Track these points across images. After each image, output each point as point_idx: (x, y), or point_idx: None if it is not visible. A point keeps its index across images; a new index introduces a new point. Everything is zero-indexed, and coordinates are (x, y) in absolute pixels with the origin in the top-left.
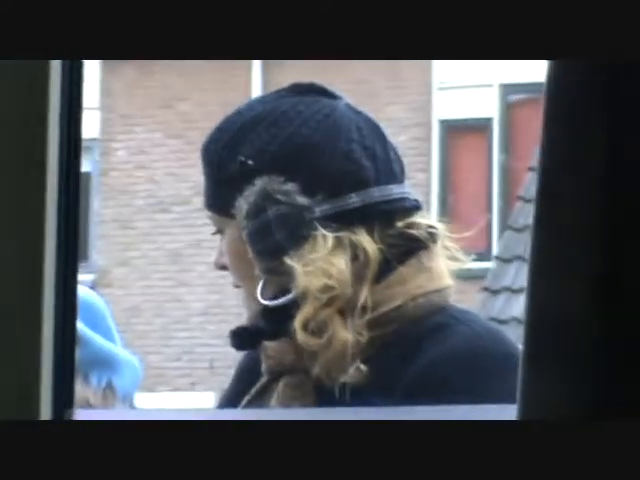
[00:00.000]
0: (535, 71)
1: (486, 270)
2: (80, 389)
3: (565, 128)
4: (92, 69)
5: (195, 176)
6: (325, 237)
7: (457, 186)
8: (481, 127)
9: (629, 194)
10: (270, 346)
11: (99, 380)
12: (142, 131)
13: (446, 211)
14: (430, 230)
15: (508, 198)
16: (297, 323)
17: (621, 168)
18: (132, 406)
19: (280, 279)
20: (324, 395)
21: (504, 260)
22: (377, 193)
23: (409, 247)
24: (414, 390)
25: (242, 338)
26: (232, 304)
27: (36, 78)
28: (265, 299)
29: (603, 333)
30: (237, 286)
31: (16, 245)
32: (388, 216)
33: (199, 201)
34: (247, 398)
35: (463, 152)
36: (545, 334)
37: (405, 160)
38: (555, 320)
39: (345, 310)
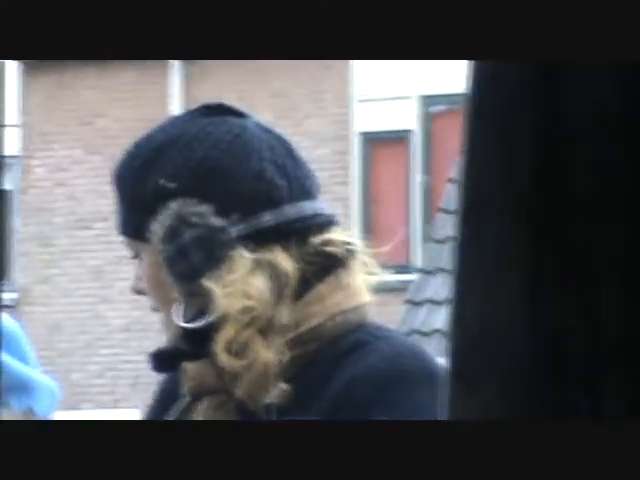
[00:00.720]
0: (454, 82)
1: (407, 282)
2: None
3: (490, 138)
4: (10, 86)
5: None
6: (242, 257)
7: (377, 198)
8: (401, 139)
9: (556, 207)
10: (190, 367)
11: (19, 405)
12: (61, 148)
13: (367, 223)
14: (347, 246)
15: (428, 209)
16: (218, 345)
17: (549, 179)
18: None
19: (199, 301)
20: (246, 415)
21: (426, 272)
22: (291, 211)
23: (327, 264)
24: (335, 409)
25: (162, 360)
26: (154, 320)
27: None
28: (184, 322)
29: (528, 346)
30: (156, 309)
31: None
32: (303, 234)
33: None
34: (168, 419)
35: (383, 164)
36: (471, 354)
37: (325, 173)
38: (480, 336)
39: (266, 330)
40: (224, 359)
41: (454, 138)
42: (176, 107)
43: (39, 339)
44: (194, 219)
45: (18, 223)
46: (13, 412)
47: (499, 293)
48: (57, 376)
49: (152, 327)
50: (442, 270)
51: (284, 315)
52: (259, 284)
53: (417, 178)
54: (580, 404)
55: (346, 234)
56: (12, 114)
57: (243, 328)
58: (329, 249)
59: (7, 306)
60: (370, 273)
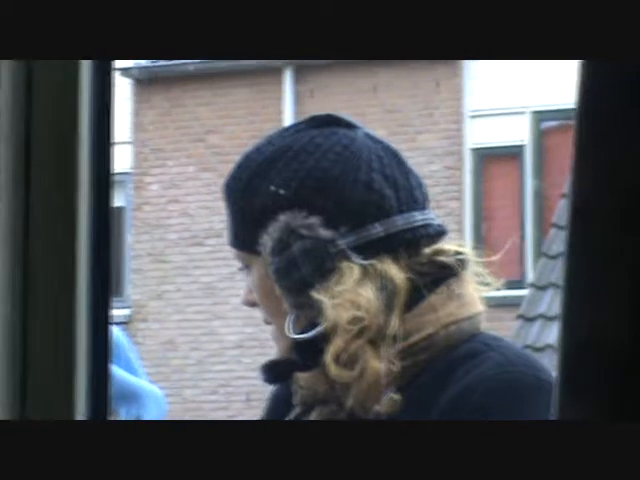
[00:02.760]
0: (567, 97)
1: (520, 298)
2: None
3: (597, 147)
4: (123, 103)
5: None
6: (351, 268)
7: (490, 214)
8: (513, 154)
9: None
10: (302, 377)
11: (127, 414)
12: (174, 165)
13: (479, 239)
14: (458, 256)
15: (541, 225)
16: (328, 356)
17: None
18: None
19: (309, 313)
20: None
21: (539, 287)
22: (400, 221)
23: (438, 274)
24: (448, 418)
25: (273, 372)
26: (267, 337)
27: (66, 110)
28: (295, 333)
29: (636, 355)
30: (268, 322)
31: (49, 282)
32: (413, 243)
33: None
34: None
35: (495, 179)
36: (580, 360)
37: (437, 189)
38: (590, 345)
39: (376, 340)
40: (334, 370)
41: (566, 153)
42: (288, 123)
43: (153, 355)
44: (303, 231)
45: (131, 239)
46: None
47: (608, 301)
48: (170, 392)
49: (265, 343)
50: (554, 285)
51: (394, 325)
52: (368, 294)
53: (529, 190)
54: None
55: (457, 244)
56: (125, 131)
57: (352, 339)
58: (440, 259)
59: (121, 322)
60: (483, 283)
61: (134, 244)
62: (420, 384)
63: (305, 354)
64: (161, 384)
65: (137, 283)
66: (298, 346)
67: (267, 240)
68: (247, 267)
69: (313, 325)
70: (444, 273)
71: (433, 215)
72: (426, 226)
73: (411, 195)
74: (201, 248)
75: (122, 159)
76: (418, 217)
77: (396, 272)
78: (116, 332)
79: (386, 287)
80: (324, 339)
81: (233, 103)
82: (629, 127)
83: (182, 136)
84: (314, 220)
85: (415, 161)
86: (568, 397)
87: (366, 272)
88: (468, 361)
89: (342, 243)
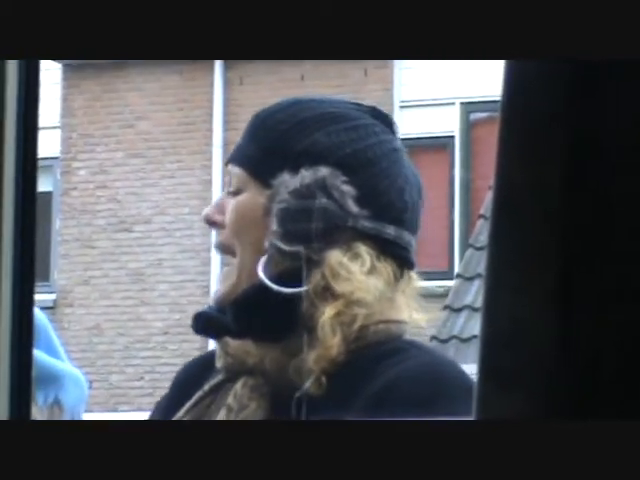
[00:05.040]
0: (496, 89)
1: (448, 289)
2: None
3: (522, 136)
4: (52, 88)
5: (156, 195)
6: (369, 255)
7: None
8: (442, 145)
9: (588, 207)
10: (232, 344)
11: (45, 397)
12: (103, 150)
13: None
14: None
15: (469, 216)
16: (325, 317)
17: (580, 181)
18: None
19: (287, 265)
20: (279, 403)
21: (466, 278)
22: (405, 238)
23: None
24: (371, 409)
25: (205, 326)
26: None
27: None
28: (265, 275)
29: (559, 346)
30: (226, 250)
31: None
32: (402, 262)
33: (160, 220)
34: (199, 394)
35: (424, 170)
36: (501, 349)
37: None
38: (511, 335)
39: (345, 326)
40: (327, 331)
41: (495, 145)
42: (218, 111)
43: (78, 341)
44: (335, 192)
45: (59, 225)
46: (39, 407)
47: (531, 292)
48: (96, 377)
49: (191, 330)
50: (481, 276)
51: (360, 319)
52: (376, 286)
53: (458, 181)
54: (610, 405)
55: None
56: (54, 115)
57: (349, 317)
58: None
59: (47, 307)
60: (416, 304)
61: (62, 229)
62: (346, 373)
63: (260, 305)
64: (87, 369)
65: (64, 268)
66: (259, 293)
67: (292, 180)
68: (237, 189)
69: (291, 280)
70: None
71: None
72: (410, 252)
73: (417, 223)
74: (129, 234)
75: (50, 144)
76: (413, 243)
77: (390, 278)
78: (37, 313)
79: (387, 286)
80: (291, 301)
81: (163, 90)
82: (554, 123)
83: (112, 122)
84: (349, 189)
85: None
86: (490, 392)
87: (374, 265)
88: (395, 356)
89: (360, 224)
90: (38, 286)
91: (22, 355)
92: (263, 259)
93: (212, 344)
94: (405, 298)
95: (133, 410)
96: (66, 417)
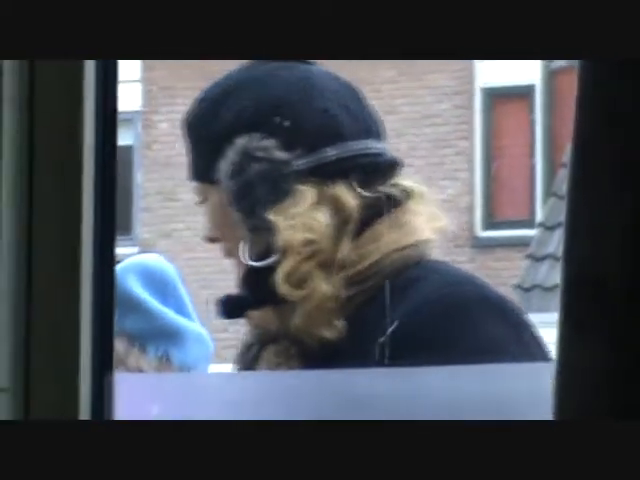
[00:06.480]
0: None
1: (530, 237)
2: (135, 359)
3: (597, 92)
4: None
5: None
6: (306, 191)
7: (500, 153)
8: (524, 94)
9: None
10: (254, 315)
11: (156, 351)
12: (184, 103)
13: (489, 178)
14: (406, 189)
15: (552, 165)
16: (279, 276)
17: None
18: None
19: (264, 237)
20: (307, 359)
21: (548, 227)
22: (355, 146)
23: (383, 205)
24: (394, 346)
25: (227, 307)
26: None
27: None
28: (250, 260)
29: (631, 298)
30: (227, 255)
31: (55, 220)
32: (366, 170)
33: None
34: (239, 368)
35: (506, 119)
36: (579, 294)
37: (447, 128)
38: (591, 280)
39: (325, 264)
40: (284, 289)
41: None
42: None
43: None
44: (259, 153)
45: (140, 178)
46: (146, 358)
47: (607, 237)
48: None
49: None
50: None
51: (344, 251)
52: (322, 218)
53: (540, 133)
54: None
55: (411, 180)
56: (133, 69)
57: (304, 260)
58: (386, 189)
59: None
60: (433, 218)
61: (143, 183)
62: (366, 313)
63: (258, 286)
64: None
65: (146, 222)
66: (252, 276)
67: (224, 165)
68: (205, 200)
69: (268, 252)
70: (389, 204)
71: (386, 147)
72: (380, 155)
73: (368, 125)
74: None
75: (131, 98)
76: (373, 145)
77: (349, 198)
78: (169, 268)
79: (339, 212)
80: (276, 267)
81: None
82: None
83: (192, 74)
84: (269, 142)
85: (424, 100)
86: (569, 330)
87: (321, 196)
88: (411, 287)
89: (296, 165)
90: (121, 239)
91: (104, 310)
92: (240, 245)
93: None
94: (416, 216)
95: (220, 362)
96: (177, 372)
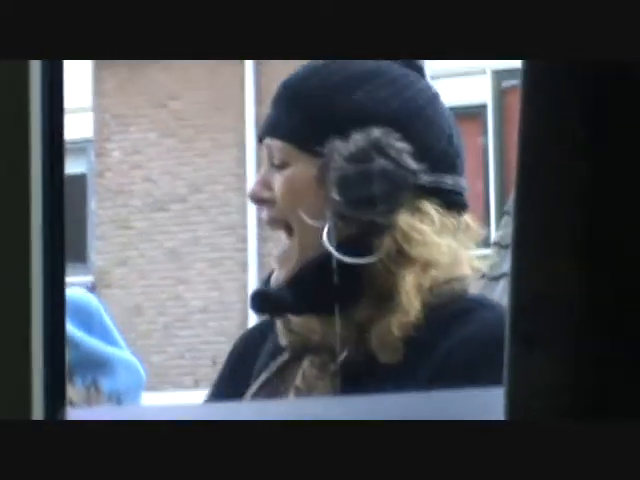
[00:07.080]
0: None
1: (485, 257)
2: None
3: (544, 98)
4: (84, 70)
5: (190, 173)
6: (436, 213)
7: None
8: (475, 114)
9: (610, 163)
10: (295, 321)
11: (83, 380)
12: (136, 131)
13: None
14: (467, 223)
15: (504, 184)
16: (407, 284)
17: (602, 136)
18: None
19: (352, 232)
20: (349, 378)
21: (502, 246)
22: (462, 183)
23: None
24: (440, 374)
25: (264, 304)
26: (232, 300)
27: (16, 79)
28: (331, 244)
29: (588, 306)
30: (277, 226)
31: (1, 248)
32: (460, 208)
33: (195, 199)
34: (265, 375)
35: None
36: (531, 311)
37: None
38: (539, 295)
39: (419, 289)
40: (404, 300)
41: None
42: (250, 89)
43: (118, 321)
44: (391, 151)
45: (94, 206)
46: (75, 388)
47: (552, 261)
48: (137, 358)
49: (230, 307)
50: None
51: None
52: (449, 246)
53: (492, 152)
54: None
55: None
56: (86, 97)
57: (420, 277)
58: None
59: (85, 289)
60: (472, 248)
61: (97, 211)
62: (415, 339)
63: (311, 286)
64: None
65: (101, 250)
66: (308, 271)
67: (345, 146)
68: (283, 163)
69: (351, 246)
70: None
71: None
72: (464, 193)
73: (464, 166)
74: (165, 213)
75: (83, 126)
76: (464, 185)
77: (454, 228)
78: (92, 300)
79: (454, 243)
80: (357, 270)
81: (194, 68)
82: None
83: (144, 102)
84: (404, 146)
85: None
86: (518, 347)
87: (443, 223)
88: (461, 318)
89: (422, 179)
90: (76, 268)
91: (55, 338)
92: (326, 228)
93: (252, 321)
94: (465, 249)
95: (175, 389)
96: (105, 400)
